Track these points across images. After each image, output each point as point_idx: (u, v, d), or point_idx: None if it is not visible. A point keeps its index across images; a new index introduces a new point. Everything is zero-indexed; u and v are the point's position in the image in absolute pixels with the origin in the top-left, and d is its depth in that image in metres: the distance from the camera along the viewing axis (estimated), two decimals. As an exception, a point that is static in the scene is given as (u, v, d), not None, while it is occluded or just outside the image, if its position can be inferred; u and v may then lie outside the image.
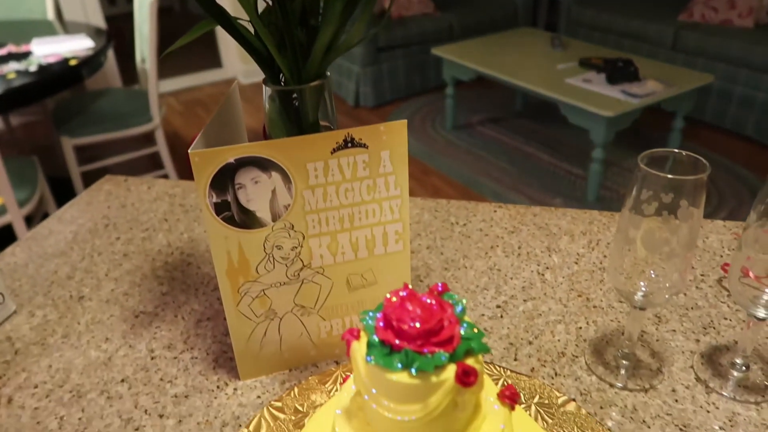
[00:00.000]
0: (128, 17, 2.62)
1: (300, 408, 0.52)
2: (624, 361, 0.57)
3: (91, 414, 0.55)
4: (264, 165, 0.48)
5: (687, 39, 3.19)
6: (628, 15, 3.50)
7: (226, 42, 4.02)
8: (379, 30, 3.29)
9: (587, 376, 0.56)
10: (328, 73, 0.50)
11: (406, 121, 0.50)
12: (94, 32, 2.36)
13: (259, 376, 0.58)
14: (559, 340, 0.61)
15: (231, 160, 0.47)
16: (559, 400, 0.51)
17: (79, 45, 2.13)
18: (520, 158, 2.92)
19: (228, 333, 0.63)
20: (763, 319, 0.51)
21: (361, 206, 0.52)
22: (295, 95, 0.50)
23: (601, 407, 0.53)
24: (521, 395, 0.52)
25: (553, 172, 2.78)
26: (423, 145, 3.08)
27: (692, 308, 0.64)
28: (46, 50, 2.07)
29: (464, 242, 0.77)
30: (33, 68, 1.93)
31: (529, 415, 0.50)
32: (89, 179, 0.96)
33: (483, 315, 0.65)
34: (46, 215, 1.75)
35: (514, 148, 3.01)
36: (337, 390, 0.54)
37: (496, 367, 0.55)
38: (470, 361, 0.33)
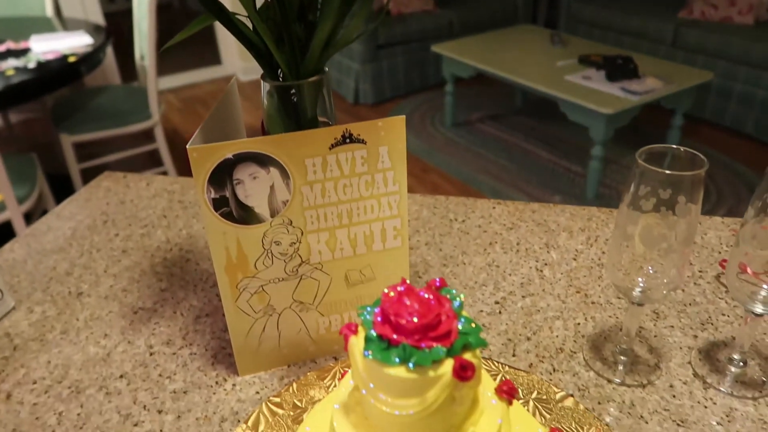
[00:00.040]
0: (127, 14, 2.62)
1: (298, 403, 0.52)
2: (622, 357, 0.57)
3: (89, 410, 0.55)
4: (262, 161, 0.48)
5: (687, 36, 3.19)
6: (628, 12, 3.50)
7: (225, 39, 4.02)
8: (377, 25, 3.29)
9: (585, 372, 0.56)
10: (327, 69, 0.50)
11: (404, 116, 0.50)
12: (93, 29, 2.36)
13: (257, 372, 0.58)
14: (557, 336, 0.61)
15: (229, 155, 0.47)
16: (557, 396, 0.51)
17: (77, 42, 2.12)
18: (519, 155, 2.92)
19: (227, 329, 0.63)
20: (760, 315, 0.51)
21: (359, 202, 0.52)
22: (293, 91, 0.49)
23: (599, 403, 0.53)
24: (519, 391, 0.52)
25: (553, 169, 2.78)
26: (422, 142, 3.08)
27: (690, 304, 0.64)
28: (44, 47, 2.07)
29: (463, 239, 0.77)
30: (32, 65, 1.92)
31: (527, 410, 0.50)
32: (88, 176, 0.96)
33: (481, 311, 0.65)
34: (45, 212, 1.75)
35: (514, 146, 3.01)
36: (335, 386, 0.54)
37: (495, 362, 0.55)
38: (468, 356, 0.34)
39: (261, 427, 0.50)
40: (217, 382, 0.57)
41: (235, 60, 4.06)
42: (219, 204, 0.49)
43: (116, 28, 2.97)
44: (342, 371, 0.55)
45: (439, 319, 0.33)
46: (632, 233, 0.50)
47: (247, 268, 0.52)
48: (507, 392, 0.38)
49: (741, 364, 0.56)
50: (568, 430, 0.48)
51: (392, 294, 0.34)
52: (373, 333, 0.34)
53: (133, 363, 0.60)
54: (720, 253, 0.72)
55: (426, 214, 0.83)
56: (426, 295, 0.34)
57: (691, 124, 2.99)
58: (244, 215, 0.50)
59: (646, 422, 0.51)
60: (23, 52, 2.05)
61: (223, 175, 0.48)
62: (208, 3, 0.44)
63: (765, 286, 0.50)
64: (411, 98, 3.63)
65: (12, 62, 1.95)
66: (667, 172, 0.46)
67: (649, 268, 0.50)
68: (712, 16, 3.21)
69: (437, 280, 0.37)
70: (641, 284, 0.51)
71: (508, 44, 3.11)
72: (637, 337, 0.60)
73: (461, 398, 0.34)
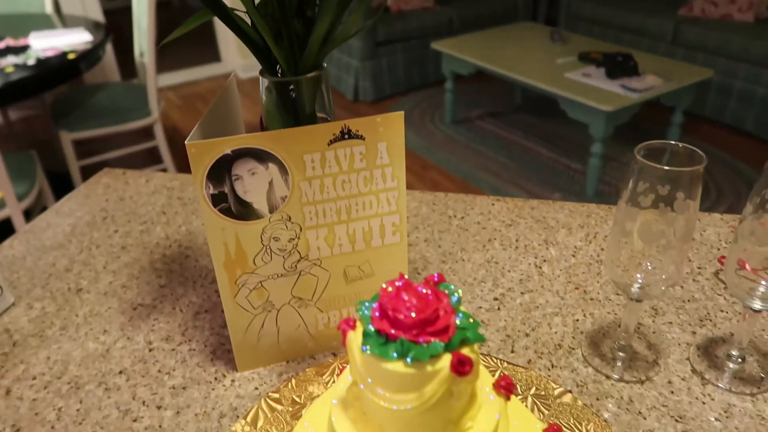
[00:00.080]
0: (127, 11, 2.61)
1: (297, 399, 0.52)
2: (620, 353, 0.57)
3: (89, 405, 0.55)
4: (261, 156, 0.48)
5: (687, 33, 3.19)
6: (628, 9, 3.49)
7: (225, 36, 4.01)
8: (376, 22, 3.29)
9: (584, 368, 0.56)
10: (325, 65, 0.50)
11: (402, 112, 0.50)
12: (93, 26, 2.35)
13: (256, 368, 0.58)
14: (555, 333, 0.61)
15: (228, 151, 0.47)
16: (556, 392, 0.51)
17: (77, 39, 2.12)
18: (519, 153, 2.92)
19: (226, 325, 0.63)
20: (759, 311, 0.52)
21: (358, 198, 0.52)
22: (291, 87, 0.49)
23: (598, 399, 0.53)
24: (518, 387, 0.52)
25: (552, 166, 2.78)
26: (422, 139, 3.08)
27: (689, 301, 0.64)
28: (44, 44, 2.07)
29: (462, 235, 0.77)
30: (31, 62, 1.92)
31: (526, 406, 0.50)
32: (88, 174, 0.96)
33: (480, 307, 0.65)
34: (44, 209, 1.75)
35: (513, 143, 3.01)
36: (334, 381, 0.54)
37: (493, 359, 0.55)
38: (466, 351, 0.34)
39: (260, 423, 0.50)
40: (216, 378, 0.57)
41: (235, 57, 4.05)
42: (218, 200, 0.49)
43: (116, 25, 2.97)
44: (341, 367, 0.55)
45: (437, 314, 0.34)
46: (631, 229, 0.50)
47: (245, 264, 0.52)
48: (505, 387, 0.38)
49: (739, 360, 0.56)
50: (566, 425, 0.48)
51: (390, 289, 0.35)
52: (371, 328, 0.34)
53: (132, 359, 0.60)
54: (719, 249, 0.72)
55: (425, 211, 0.83)
56: (424, 291, 0.34)
57: (691, 121, 2.99)
58: (243, 211, 0.50)
59: (645, 418, 0.51)
60: (23, 49, 2.05)
61: (221, 170, 0.48)
62: (206, -2, 0.44)
63: (763, 282, 0.50)
64: (411, 95, 3.62)
65: (11, 59, 1.94)
66: (666, 168, 0.46)
67: (648, 264, 0.51)
68: (712, 13, 3.21)
69: (435, 275, 0.37)
70: (640, 280, 0.52)
71: (508, 41, 3.11)
72: (635, 334, 0.60)
73: (459, 393, 0.34)
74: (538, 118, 3.24)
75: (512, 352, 0.59)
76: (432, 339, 0.33)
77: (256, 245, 0.52)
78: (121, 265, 0.75)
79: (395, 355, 0.33)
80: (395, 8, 3.58)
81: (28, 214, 1.79)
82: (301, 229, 0.52)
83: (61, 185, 2.14)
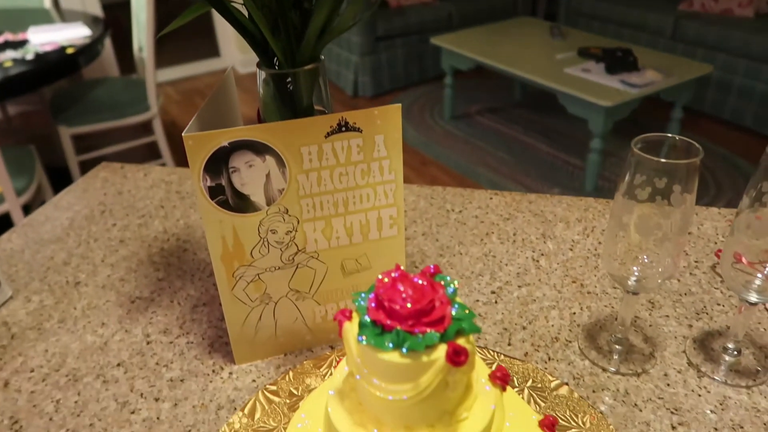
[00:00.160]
0: (125, 5, 2.60)
1: (295, 391, 0.52)
2: (617, 346, 0.58)
3: (87, 397, 0.55)
4: (258, 149, 0.48)
5: (687, 29, 3.18)
6: (628, 4, 3.49)
7: (224, 31, 4.00)
8: (374, 16, 3.28)
9: (580, 361, 0.57)
10: (322, 57, 0.50)
11: (400, 105, 0.50)
12: (91, 20, 2.35)
13: (254, 361, 0.58)
14: (552, 326, 0.61)
15: (225, 143, 0.47)
16: (552, 384, 0.52)
17: (76, 33, 2.12)
18: (518, 148, 2.91)
19: (224, 318, 0.63)
20: (755, 304, 0.52)
21: (355, 191, 0.52)
22: (289, 79, 0.49)
23: (594, 391, 0.53)
24: (514, 379, 0.52)
25: (552, 162, 2.77)
26: (421, 135, 3.08)
27: (686, 294, 0.64)
28: (42, 38, 2.06)
29: (460, 229, 0.77)
30: (30, 56, 1.92)
31: (522, 398, 0.50)
32: (87, 168, 0.96)
33: (477, 301, 0.65)
34: (43, 204, 1.75)
35: (513, 138, 3.01)
36: (331, 374, 0.54)
37: (490, 351, 0.55)
38: (461, 341, 0.34)
39: (257, 415, 0.50)
40: (213, 371, 0.58)
41: (234, 52, 4.04)
42: (215, 192, 0.49)
43: (114, 19, 2.96)
44: (338, 360, 0.55)
45: (432, 305, 0.34)
46: (627, 222, 0.50)
47: (243, 257, 0.52)
48: (501, 378, 0.38)
49: (735, 353, 0.56)
50: (562, 417, 0.49)
51: (386, 280, 0.35)
52: (367, 319, 0.34)
53: (130, 351, 0.60)
54: (716, 243, 0.72)
55: (423, 205, 0.83)
56: (420, 281, 0.34)
57: (690, 116, 2.99)
58: (240, 203, 0.50)
59: (640, 410, 0.51)
60: (21, 43, 2.04)
61: (219, 163, 0.48)
62: (203, -10, 0.44)
63: (759, 275, 0.50)
64: (410, 91, 3.62)
65: (10, 54, 1.94)
66: (663, 160, 0.46)
67: (645, 257, 0.51)
68: (712, 8, 3.20)
69: (431, 267, 0.37)
70: (636, 273, 0.52)
71: (507, 37, 3.10)
72: (632, 327, 0.60)
73: (455, 383, 0.35)
74: (537, 114, 3.24)
75: (509, 345, 0.59)
76: (427, 329, 0.33)
77: (253, 238, 0.52)
78: (119, 258, 0.75)
79: (391, 345, 0.33)
80: (395, 3, 3.57)
81: (27, 209, 1.79)
82: (298, 222, 0.52)
83: (60, 180, 2.14)
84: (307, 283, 0.56)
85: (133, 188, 0.91)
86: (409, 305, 0.33)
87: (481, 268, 0.70)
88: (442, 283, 0.36)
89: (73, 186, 0.92)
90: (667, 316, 0.62)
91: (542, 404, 0.50)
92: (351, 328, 0.35)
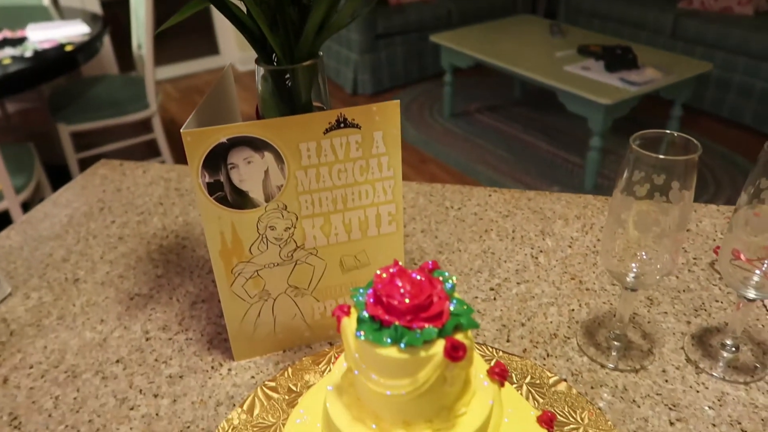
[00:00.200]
0: (124, 3, 2.60)
1: (294, 388, 0.52)
2: (615, 343, 0.58)
3: (86, 393, 0.55)
4: (257, 145, 0.48)
5: (686, 27, 3.18)
6: (628, 2, 3.48)
7: (223, 29, 4.00)
8: (374, 13, 3.28)
9: (579, 357, 0.57)
10: (321, 53, 0.50)
11: (398, 101, 0.50)
12: (90, 18, 2.34)
13: (253, 357, 0.59)
14: (551, 322, 0.61)
15: (223, 139, 0.47)
16: (551, 380, 0.52)
17: (74, 31, 2.11)
18: (517, 146, 2.91)
19: (223, 315, 0.63)
20: (753, 300, 0.52)
21: (354, 187, 0.52)
22: (287, 75, 0.49)
23: (592, 387, 0.53)
24: (513, 375, 0.53)
25: (551, 160, 2.77)
26: (420, 132, 3.08)
27: (684, 291, 0.64)
28: (41, 36, 2.06)
29: (459, 226, 0.77)
30: (28, 54, 1.91)
31: (521, 394, 0.51)
32: (86, 166, 0.96)
33: (476, 297, 0.65)
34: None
35: (512, 136, 3.01)
36: (330, 370, 0.54)
37: (489, 348, 0.55)
38: (459, 337, 0.34)
39: (256, 411, 0.50)
40: (212, 367, 0.58)
41: (233, 50, 4.04)
42: (213, 188, 0.49)
43: (113, 17, 2.96)
44: (336, 356, 0.55)
45: (430, 300, 0.34)
46: (626, 219, 0.50)
47: (242, 253, 0.52)
48: (499, 374, 0.38)
49: (733, 349, 0.56)
50: (560, 413, 0.49)
51: (384, 275, 0.35)
52: (366, 314, 0.34)
53: (129, 348, 0.60)
54: (714, 240, 0.72)
55: (422, 202, 0.83)
56: (418, 277, 0.34)
57: (689, 114, 2.99)
58: (239, 200, 0.50)
59: (639, 406, 0.51)
60: (20, 41, 2.04)
61: (217, 159, 0.48)
62: (201, -14, 0.44)
63: (758, 271, 0.50)
64: (409, 88, 3.62)
65: (8, 51, 1.94)
66: (661, 156, 0.46)
67: (643, 253, 0.51)
68: (711, 6, 3.20)
69: (430, 262, 0.37)
70: (635, 270, 0.52)
71: (507, 34, 3.10)
72: (630, 323, 0.60)
73: (453, 379, 0.35)
74: (537, 112, 3.23)
75: (508, 341, 0.59)
76: (426, 325, 0.33)
77: (252, 234, 0.52)
78: (118, 255, 0.75)
79: (389, 340, 0.33)
80: (394, 1, 3.56)
81: (26, 207, 1.79)
82: (297, 218, 0.52)
83: (59, 178, 2.14)
84: (306, 279, 0.56)
85: (132, 185, 0.91)
86: (407, 301, 0.33)
87: (480, 264, 0.70)
88: (441, 278, 0.36)
89: (72, 183, 0.92)
90: (666, 312, 0.62)
91: (541, 400, 0.50)
92: (349, 324, 0.35)
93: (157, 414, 0.53)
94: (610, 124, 2.36)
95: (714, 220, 0.76)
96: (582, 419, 0.48)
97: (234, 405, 0.54)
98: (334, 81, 3.72)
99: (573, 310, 0.63)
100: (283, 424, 0.49)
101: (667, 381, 0.54)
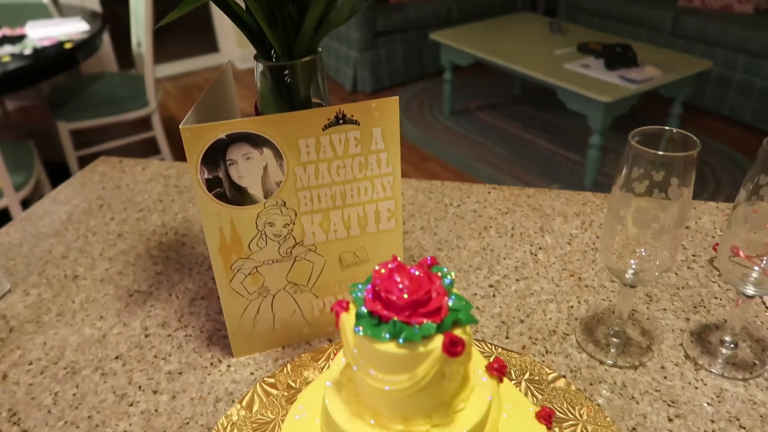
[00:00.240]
0: (124, 0, 2.60)
1: (293, 384, 0.53)
2: (614, 339, 0.58)
3: (85, 390, 0.55)
4: (255, 141, 0.48)
5: (686, 24, 3.18)
6: (628, 0, 3.48)
7: (222, 26, 3.99)
8: (373, 10, 3.27)
9: (578, 354, 0.57)
10: (320, 49, 0.50)
11: (397, 97, 0.50)
12: (90, 15, 2.34)
13: (252, 354, 0.59)
14: (550, 319, 0.61)
15: (222, 135, 0.47)
16: (550, 377, 0.52)
17: (74, 28, 2.11)
18: (517, 144, 2.91)
19: (222, 311, 0.63)
20: (752, 297, 0.52)
21: (353, 183, 0.52)
22: (286, 71, 0.49)
23: (591, 384, 0.54)
24: (512, 372, 0.53)
25: (551, 158, 2.77)
26: (420, 130, 3.08)
27: (683, 288, 0.64)
28: (40, 33, 2.06)
29: (458, 223, 0.77)
30: (28, 51, 1.91)
31: (520, 390, 0.51)
32: (86, 164, 0.96)
33: (475, 294, 0.65)
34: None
35: (512, 134, 3.01)
36: (329, 367, 0.54)
37: (488, 344, 0.55)
38: (458, 332, 0.34)
39: (255, 407, 0.50)
40: (212, 363, 0.58)
41: (233, 48, 4.04)
42: (212, 184, 0.49)
43: (113, 14, 2.95)
44: (335, 352, 0.55)
45: (429, 296, 0.34)
46: (625, 216, 0.50)
47: (241, 250, 0.52)
48: (497, 370, 0.38)
49: (732, 346, 0.56)
50: (559, 410, 0.49)
51: (383, 271, 0.35)
52: (364, 309, 0.34)
53: (128, 344, 0.60)
54: (714, 237, 0.72)
55: (421, 199, 0.83)
56: (416, 272, 0.34)
57: (689, 112, 2.98)
58: (238, 196, 0.50)
59: (637, 402, 0.51)
60: (19, 38, 2.04)
61: (216, 155, 0.48)
62: (200, -18, 0.44)
63: (757, 268, 0.50)
64: (409, 86, 3.62)
65: (8, 48, 1.94)
66: (660, 153, 0.46)
67: (642, 250, 0.51)
68: (711, 4, 3.20)
69: (428, 258, 0.37)
70: (633, 266, 0.52)
71: (507, 32, 3.10)
72: (629, 320, 0.60)
73: (451, 374, 0.35)
74: (536, 110, 3.23)
75: (507, 338, 0.59)
76: (424, 320, 0.33)
77: (251, 230, 0.52)
78: (117, 252, 0.75)
79: (387, 336, 0.33)
80: (394, -1, 3.56)
81: (26, 204, 1.79)
82: (296, 215, 0.52)
83: (59, 175, 2.14)
84: (305, 276, 0.56)
85: (131, 182, 0.91)
86: (405, 296, 0.33)
87: (479, 261, 0.70)
88: (439, 274, 0.36)
89: (72, 180, 0.92)
90: (665, 309, 0.62)
91: (539, 396, 0.50)
92: (348, 319, 0.35)
93: (156, 410, 0.53)
94: (609, 122, 2.36)
95: (713, 217, 0.76)
96: (581, 415, 0.48)
97: (233, 401, 0.54)
98: (333, 79, 3.72)
99: (572, 306, 0.63)
100: (282, 421, 0.49)
101: (665, 377, 0.54)
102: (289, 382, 0.53)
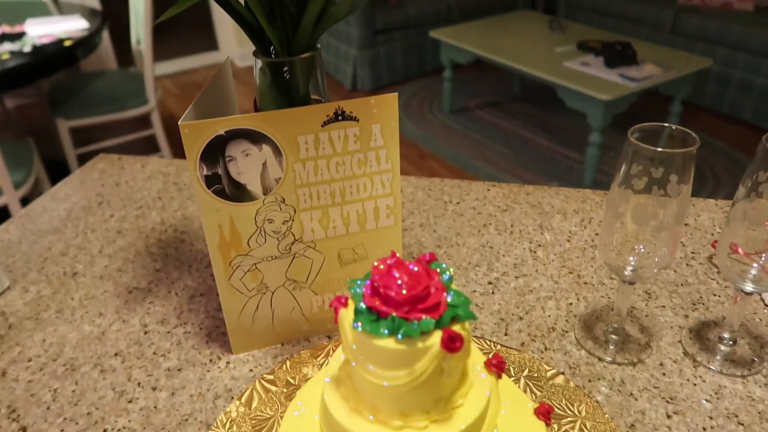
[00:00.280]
0: (123, -2, 2.59)
1: (292, 381, 0.53)
2: (613, 336, 0.58)
3: (84, 386, 0.55)
4: (254, 137, 0.48)
5: (686, 22, 3.17)
6: (628, -2, 3.48)
7: (222, 24, 3.99)
8: (371, 4, 3.26)
9: (576, 351, 0.57)
10: (319, 46, 0.50)
11: (396, 94, 0.50)
12: (89, 13, 2.34)
13: (251, 350, 0.59)
14: (549, 316, 0.61)
15: (221, 132, 0.47)
16: (548, 374, 0.52)
17: (73, 26, 2.11)
18: (517, 142, 2.91)
19: (221, 308, 0.63)
20: (750, 293, 0.52)
21: (352, 180, 0.52)
22: (285, 68, 0.49)
23: (590, 380, 0.54)
24: (511, 369, 0.53)
25: (551, 156, 2.77)
26: (420, 128, 3.07)
27: (682, 285, 0.64)
28: (40, 31, 2.05)
29: (457, 220, 0.77)
30: (27, 49, 1.91)
31: (519, 387, 0.51)
32: (85, 162, 0.96)
33: (475, 291, 0.65)
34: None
35: (512, 132, 3.01)
36: (328, 364, 0.54)
37: (487, 341, 0.55)
38: (456, 328, 0.34)
39: (254, 404, 0.50)
40: (211, 360, 0.58)
41: (232, 45, 4.03)
42: (211, 181, 0.49)
43: (112, 12, 2.95)
44: (335, 349, 0.56)
45: (428, 292, 0.34)
46: (624, 212, 0.50)
47: (240, 246, 0.52)
48: (496, 366, 0.39)
49: (731, 342, 0.56)
50: (558, 406, 0.49)
51: (382, 267, 0.35)
52: (363, 305, 0.34)
53: (127, 341, 0.60)
54: (713, 234, 0.72)
55: (421, 196, 0.83)
56: (415, 268, 0.34)
57: (689, 110, 2.98)
58: (237, 192, 0.50)
59: (636, 399, 0.51)
60: (18, 36, 2.03)
61: (215, 151, 0.48)
62: (199, -22, 0.44)
63: (755, 265, 0.50)
64: (409, 84, 3.61)
65: (7, 46, 1.93)
66: (659, 149, 0.46)
67: (641, 247, 0.51)
68: (711, 2, 3.20)
69: (427, 254, 0.37)
70: (632, 263, 0.52)
71: (506, 30, 3.09)
72: (628, 317, 0.60)
73: (450, 370, 0.35)
74: (536, 108, 3.23)
75: (506, 335, 0.59)
76: (423, 316, 0.33)
77: (250, 227, 0.52)
78: (116, 249, 0.75)
79: (386, 331, 0.33)
80: (394, -4, 3.56)
81: (26, 202, 1.79)
82: (295, 211, 0.52)
83: (58, 173, 2.13)
84: (304, 272, 0.56)
85: (130, 179, 0.91)
86: (404, 292, 0.33)
87: (479, 258, 0.70)
88: (438, 270, 0.36)
89: (71, 177, 0.92)
90: (664, 306, 0.62)
91: (538, 393, 0.50)
92: (347, 315, 0.35)
93: (155, 407, 0.53)
94: (609, 120, 2.36)
95: (712, 214, 0.76)
96: (579, 412, 0.48)
97: (232, 398, 0.54)
98: (333, 77, 3.71)
99: (571, 303, 0.63)
100: (281, 417, 0.49)
101: (664, 374, 0.54)
102: (288, 378, 0.53)
